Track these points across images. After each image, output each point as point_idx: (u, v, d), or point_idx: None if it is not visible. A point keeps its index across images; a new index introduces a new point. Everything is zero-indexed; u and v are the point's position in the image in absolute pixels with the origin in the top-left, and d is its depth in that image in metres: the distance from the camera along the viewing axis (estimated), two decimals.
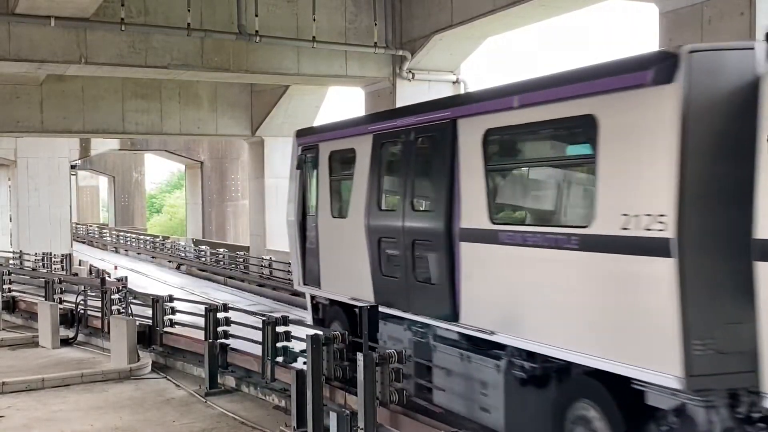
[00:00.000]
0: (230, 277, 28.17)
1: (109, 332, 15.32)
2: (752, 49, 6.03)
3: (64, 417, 11.34)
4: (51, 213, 33.02)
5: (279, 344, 11.72)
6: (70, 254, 29.01)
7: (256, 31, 17.38)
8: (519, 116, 7.75)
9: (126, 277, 18.61)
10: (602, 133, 6.62)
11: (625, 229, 6.31)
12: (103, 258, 40.07)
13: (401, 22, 19.13)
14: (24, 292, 21.45)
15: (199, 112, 27.05)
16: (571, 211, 7.71)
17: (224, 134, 28.61)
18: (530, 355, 7.69)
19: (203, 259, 31.83)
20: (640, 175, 6.30)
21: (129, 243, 44.26)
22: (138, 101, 26.06)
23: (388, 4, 19.08)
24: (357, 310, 10.08)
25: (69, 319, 17.57)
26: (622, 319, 6.49)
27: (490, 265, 8.13)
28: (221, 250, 30.95)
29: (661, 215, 6.01)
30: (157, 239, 39.96)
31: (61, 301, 18.34)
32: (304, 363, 9.77)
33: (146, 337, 15.29)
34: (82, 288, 18.02)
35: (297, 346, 11.09)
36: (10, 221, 38.62)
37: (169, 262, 35.90)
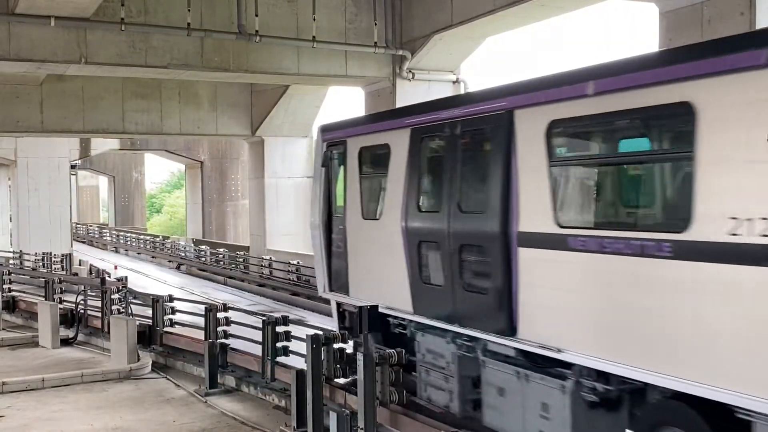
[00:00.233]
0: (230, 277, 28.17)
1: (109, 332, 15.34)
2: None
3: (63, 417, 11.35)
4: (51, 213, 33.01)
5: (279, 344, 11.75)
6: (70, 254, 29.01)
7: (256, 31, 17.38)
8: (593, 105, 6.80)
9: (126, 277, 18.62)
10: (702, 123, 5.79)
11: (734, 234, 5.50)
12: (103, 258, 40.06)
13: (401, 21, 19.13)
14: (24, 292, 21.47)
15: (199, 111, 27.04)
16: (662, 214, 6.78)
17: (224, 134, 28.58)
18: (599, 374, 6.84)
19: (203, 259, 31.82)
20: (755, 172, 5.44)
21: (129, 243, 44.24)
22: (138, 101, 26.05)
23: (388, 4, 19.08)
24: (391, 319, 9.92)
25: (69, 319, 17.59)
26: (732, 340, 5.60)
27: (556, 275, 7.19)
28: (221, 250, 30.94)
29: None
30: (157, 239, 39.94)
31: (61, 301, 18.35)
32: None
33: (146, 337, 15.31)
34: (82, 288, 18.04)
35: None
36: (10, 221, 38.62)
37: (169, 261, 35.89)
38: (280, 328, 11.89)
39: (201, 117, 27.08)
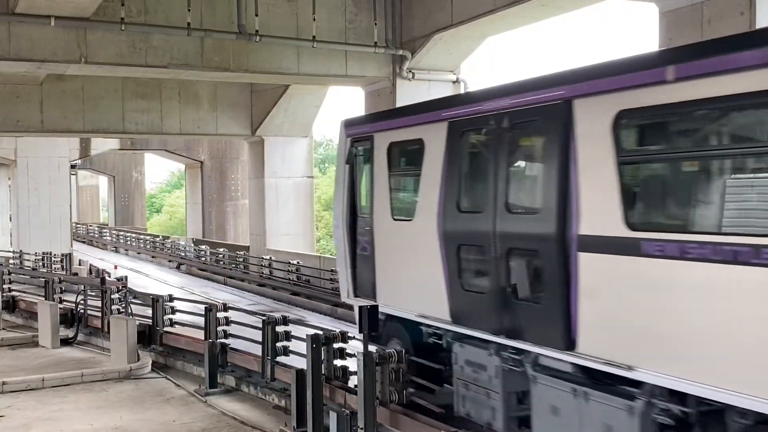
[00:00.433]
0: (230, 277, 28.17)
1: (109, 332, 15.34)
2: None
3: (63, 416, 11.35)
4: (51, 212, 33.00)
5: (279, 344, 11.76)
6: (70, 254, 29.01)
7: (256, 31, 17.38)
8: (674, 92, 6.00)
9: (126, 277, 18.62)
10: None
11: None
12: (103, 257, 40.06)
13: (401, 21, 19.13)
14: (24, 292, 21.47)
15: (199, 111, 27.04)
16: (760, 216, 5.89)
17: (224, 134, 28.58)
18: (672, 394, 6.18)
19: (203, 258, 31.82)
20: None
21: (129, 243, 44.24)
22: (138, 101, 26.05)
23: (388, 3, 19.08)
24: (425, 328, 9.42)
25: (69, 318, 17.60)
26: None
27: (625, 283, 6.43)
28: (221, 249, 30.94)
29: None
30: (157, 239, 39.94)
31: (61, 301, 18.35)
32: None
33: (146, 336, 15.31)
34: (82, 288, 18.04)
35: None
36: (10, 221, 38.62)
37: (169, 261, 35.89)
38: (280, 328, 11.89)
39: (201, 117, 27.09)
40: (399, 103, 18.59)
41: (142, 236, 43.43)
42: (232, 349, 12.97)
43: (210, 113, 27.19)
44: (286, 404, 11.06)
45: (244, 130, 27.86)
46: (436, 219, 8.83)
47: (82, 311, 17.43)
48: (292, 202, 27.90)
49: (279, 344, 11.73)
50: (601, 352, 6.65)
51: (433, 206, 8.92)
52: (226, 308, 13.54)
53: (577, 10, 17.76)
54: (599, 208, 6.69)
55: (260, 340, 11.98)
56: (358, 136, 10.91)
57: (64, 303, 18.26)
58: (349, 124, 11.30)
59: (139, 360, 14.31)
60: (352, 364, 9.75)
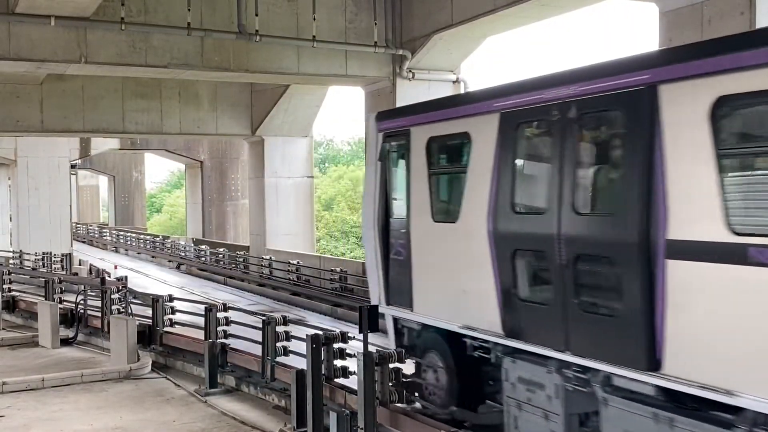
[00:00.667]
0: (230, 277, 28.16)
1: (109, 332, 15.34)
2: None
3: (63, 417, 11.35)
4: (51, 212, 33.02)
5: (279, 344, 11.76)
6: (70, 254, 29.00)
7: (256, 31, 17.38)
8: None
9: (126, 277, 18.62)
10: None
11: None
12: (103, 257, 40.05)
13: (401, 21, 19.13)
14: (24, 292, 21.47)
15: (199, 111, 27.05)
16: None
17: (224, 134, 28.59)
18: None
19: (203, 258, 31.81)
20: None
21: (129, 242, 44.23)
22: (138, 101, 26.06)
23: (388, 3, 19.08)
24: (469, 341, 8.59)
25: (69, 318, 17.60)
26: None
27: (726, 296, 5.61)
28: (221, 249, 30.92)
29: None
30: (157, 239, 39.92)
31: (61, 301, 18.35)
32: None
33: (146, 336, 15.30)
34: (82, 288, 18.04)
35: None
36: (10, 221, 38.62)
37: (169, 261, 35.87)
38: (280, 328, 11.89)
39: (201, 117, 27.10)
40: (399, 103, 18.60)
41: (142, 236, 43.41)
42: (232, 349, 12.97)
43: (210, 113, 27.20)
44: (286, 404, 11.06)
45: (244, 130, 27.86)
46: (486, 221, 8.00)
47: (82, 311, 17.42)
48: (292, 202, 27.90)
49: (279, 344, 11.74)
50: (693, 374, 5.85)
51: (481, 207, 8.07)
52: (226, 308, 13.54)
53: (577, 10, 17.77)
54: (694, 209, 5.85)
55: (260, 340, 11.98)
56: (392, 130, 9.98)
57: (64, 303, 18.26)
58: (381, 118, 10.38)
59: (139, 360, 14.31)
60: (352, 364, 9.73)
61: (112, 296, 16.39)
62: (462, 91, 19.18)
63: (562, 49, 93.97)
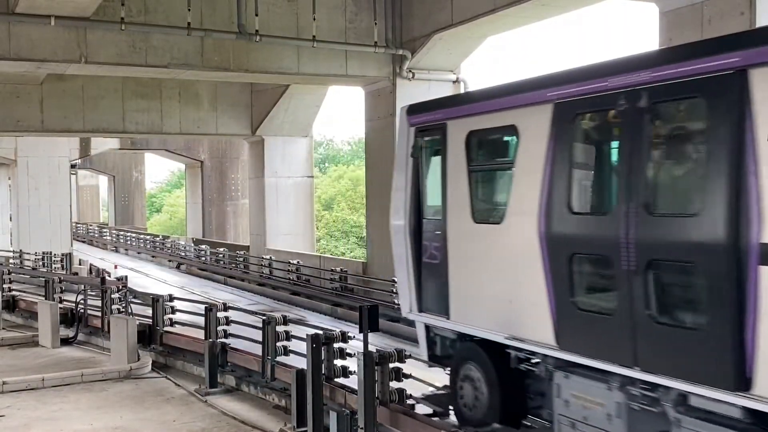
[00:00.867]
0: (230, 277, 28.17)
1: (109, 332, 15.34)
2: None
3: (64, 416, 11.35)
4: (51, 212, 33.05)
5: (279, 344, 11.77)
6: (70, 253, 29.02)
7: (256, 31, 17.39)
8: None
9: (126, 277, 18.62)
10: None
11: None
12: (103, 257, 40.05)
13: (401, 21, 19.14)
14: (24, 292, 21.46)
15: (199, 111, 27.07)
16: None
17: (224, 134, 28.63)
18: None
19: (203, 258, 31.82)
20: None
21: (129, 242, 44.23)
22: (138, 100, 26.08)
23: (388, 3, 19.09)
24: (513, 352, 7.91)
25: (69, 318, 17.60)
26: None
27: None
28: (221, 249, 30.94)
29: None
30: (157, 238, 39.93)
31: (61, 301, 18.35)
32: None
33: (146, 336, 15.30)
34: (82, 287, 18.04)
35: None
36: (10, 220, 38.64)
37: (169, 261, 35.88)
38: (280, 328, 11.90)
39: (201, 117, 27.12)
40: (399, 103, 18.61)
41: (142, 236, 43.42)
42: (232, 348, 12.97)
43: (210, 113, 27.22)
44: (286, 404, 11.06)
45: (244, 129, 27.88)
46: (537, 222, 7.27)
47: (82, 311, 17.42)
48: (292, 201, 27.92)
49: (279, 344, 11.74)
50: None
51: (532, 207, 7.34)
52: (226, 308, 13.54)
53: (577, 10, 17.77)
54: None
55: (260, 339, 11.98)
56: (426, 124, 9.28)
57: (64, 303, 18.26)
58: (413, 111, 9.65)
59: (139, 360, 14.31)
60: (352, 363, 9.73)
61: (113, 296, 16.38)
62: (462, 91, 19.18)
63: (563, 49, 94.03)
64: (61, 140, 32.67)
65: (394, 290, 18.01)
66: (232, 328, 13.28)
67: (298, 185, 28.01)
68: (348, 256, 43.73)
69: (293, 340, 11.71)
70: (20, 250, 29.37)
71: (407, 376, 9.40)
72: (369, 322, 8.85)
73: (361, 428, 8.58)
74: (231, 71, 18.70)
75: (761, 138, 5.39)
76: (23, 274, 23.30)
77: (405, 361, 9.37)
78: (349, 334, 10.36)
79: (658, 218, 6.15)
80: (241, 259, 28.31)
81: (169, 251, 36.52)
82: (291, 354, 11.63)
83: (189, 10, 16.77)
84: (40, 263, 26.49)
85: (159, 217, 77.44)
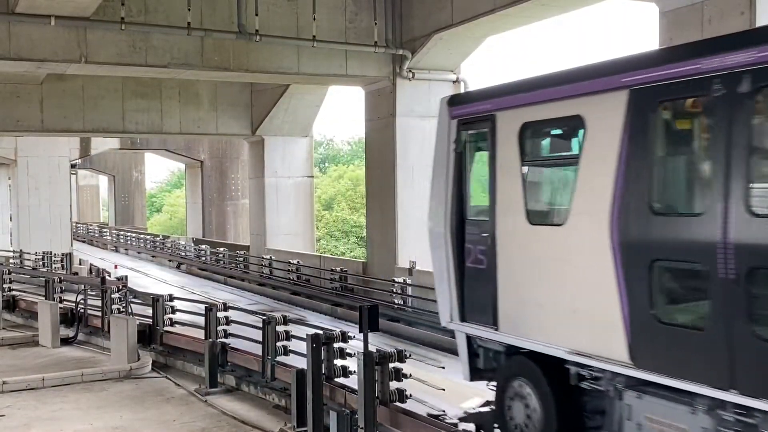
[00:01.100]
0: (230, 277, 28.17)
1: (109, 331, 15.35)
2: None
3: (64, 416, 11.36)
4: (51, 212, 33.05)
5: (279, 344, 11.77)
6: (70, 253, 29.03)
7: (256, 31, 17.39)
8: None
9: (126, 277, 18.63)
10: None
11: None
12: (104, 257, 40.04)
13: (401, 21, 19.14)
14: (24, 291, 21.47)
15: (199, 111, 27.06)
16: None
17: (224, 133, 28.61)
18: None
19: (203, 258, 31.82)
20: None
21: (129, 242, 44.22)
22: (138, 100, 26.07)
23: (388, 3, 19.08)
24: (574, 368, 7.15)
25: (69, 318, 17.62)
26: None
27: None
28: (221, 249, 30.93)
29: None
30: (158, 238, 39.92)
31: (61, 301, 18.36)
32: None
33: (146, 336, 15.32)
34: (83, 287, 18.04)
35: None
36: (11, 220, 38.64)
37: (170, 261, 35.87)
38: (280, 328, 11.90)
39: (201, 116, 27.11)
40: (399, 103, 18.62)
41: (142, 236, 43.41)
42: (232, 348, 12.98)
43: (210, 113, 27.21)
44: (286, 404, 11.07)
45: (244, 129, 27.88)
46: (609, 224, 6.53)
47: (82, 311, 17.43)
48: (292, 201, 27.92)
49: (279, 344, 11.74)
50: None
51: (602, 207, 6.60)
52: (226, 308, 13.54)
53: (577, 10, 17.77)
54: None
55: (260, 339, 11.98)
56: (471, 116, 8.49)
57: (65, 302, 18.27)
58: (455, 103, 8.85)
59: (139, 360, 14.32)
60: (352, 363, 9.73)
61: (113, 296, 16.39)
62: (462, 91, 19.15)
63: (562, 49, 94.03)
64: (61, 140, 32.67)
65: (394, 290, 18.02)
66: (232, 328, 13.28)
67: (298, 185, 28.00)
68: (348, 256, 43.73)
69: (293, 339, 11.71)
70: (20, 250, 29.38)
71: (407, 376, 9.38)
72: (369, 322, 8.86)
73: (361, 428, 8.58)
74: (231, 71, 18.69)
75: None
76: (23, 273, 23.31)
77: (405, 361, 9.37)
78: (349, 334, 10.36)
79: (762, 219, 5.43)
80: (241, 259, 28.30)
81: (169, 251, 36.51)
82: (291, 354, 11.63)
83: (189, 9, 16.77)
84: (40, 263, 26.50)
85: (159, 217, 77.45)
